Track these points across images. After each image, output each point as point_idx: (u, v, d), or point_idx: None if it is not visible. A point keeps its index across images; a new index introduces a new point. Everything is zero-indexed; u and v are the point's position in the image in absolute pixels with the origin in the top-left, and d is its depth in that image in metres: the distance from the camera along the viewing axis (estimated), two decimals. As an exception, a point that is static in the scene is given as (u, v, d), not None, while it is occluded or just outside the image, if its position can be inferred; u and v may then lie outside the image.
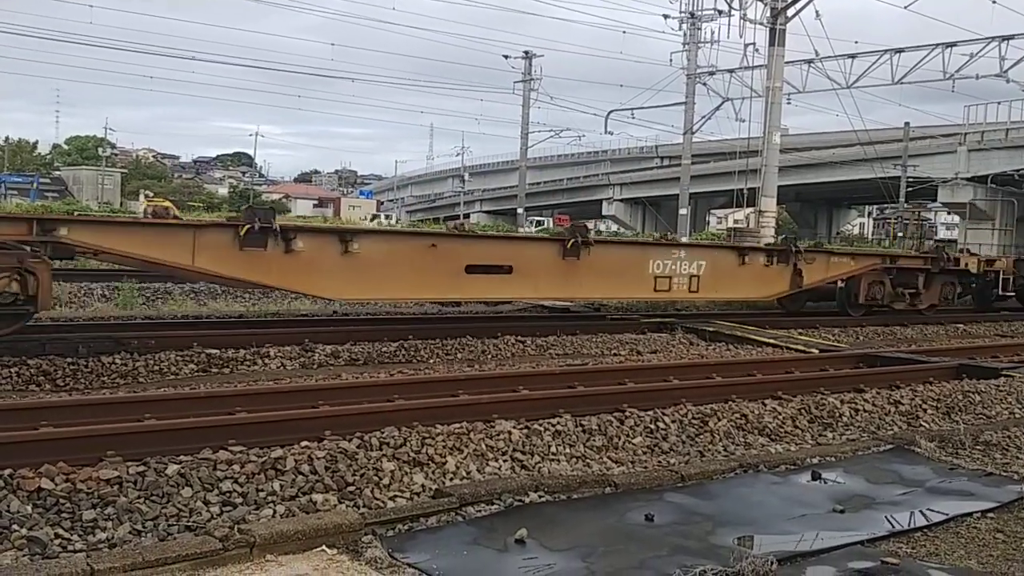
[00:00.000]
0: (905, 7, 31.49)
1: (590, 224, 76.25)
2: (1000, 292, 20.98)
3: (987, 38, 32.79)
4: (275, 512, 5.08)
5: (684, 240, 26.84)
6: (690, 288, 14.88)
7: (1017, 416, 9.15)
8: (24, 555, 4.35)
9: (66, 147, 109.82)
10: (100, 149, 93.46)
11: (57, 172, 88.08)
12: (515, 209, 60.23)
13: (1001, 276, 20.84)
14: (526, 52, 55.26)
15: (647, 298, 15.57)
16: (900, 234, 50.00)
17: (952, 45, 33.55)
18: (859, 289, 17.90)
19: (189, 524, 4.85)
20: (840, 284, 18.12)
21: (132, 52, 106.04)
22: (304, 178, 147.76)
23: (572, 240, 13.33)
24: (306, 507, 5.17)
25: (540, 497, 5.60)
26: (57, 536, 4.57)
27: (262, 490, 5.26)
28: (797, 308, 18.26)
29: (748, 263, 15.82)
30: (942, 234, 69.95)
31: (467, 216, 72.45)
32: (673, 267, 14.64)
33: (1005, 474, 6.78)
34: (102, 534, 4.65)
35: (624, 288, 14.51)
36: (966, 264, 19.97)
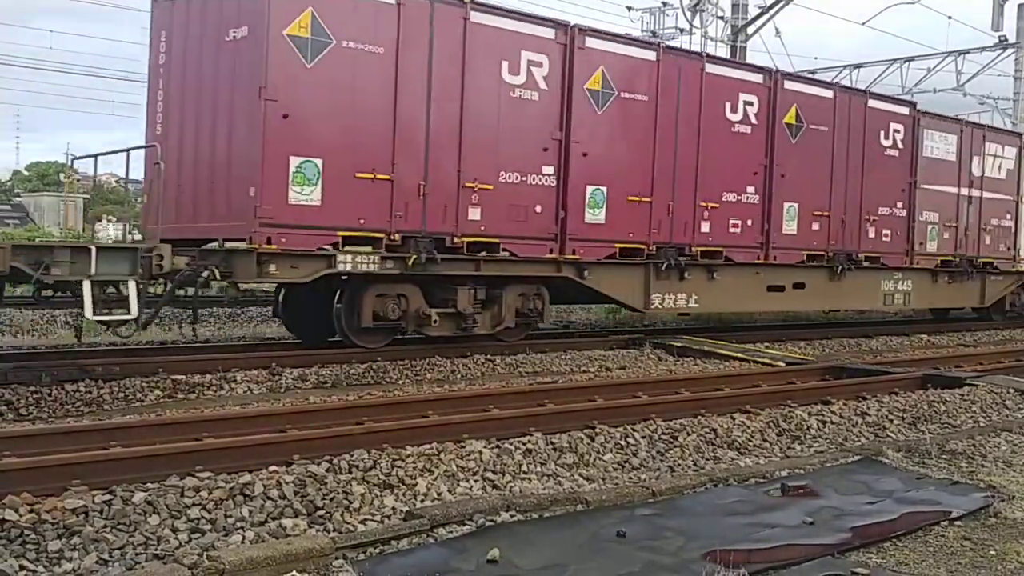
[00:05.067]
0: (863, 23, 31.97)
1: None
2: None
3: (943, 53, 33.30)
4: (244, 538, 5.02)
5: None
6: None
7: (981, 424, 9.26)
8: (-12, 588, 4.29)
9: (27, 173, 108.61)
10: (61, 175, 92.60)
11: (18, 199, 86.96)
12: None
13: None
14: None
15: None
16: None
17: (910, 60, 34.00)
18: None
19: (157, 552, 4.79)
20: None
21: (92, 76, 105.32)
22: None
23: None
24: (276, 532, 5.12)
25: (512, 516, 5.58)
26: (22, 568, 4.49)
27: (231, 516, 5.21)
28: None
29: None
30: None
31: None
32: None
33: (971, 482, 6.85)
34: (68, 564, 4.58)
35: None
36: None
